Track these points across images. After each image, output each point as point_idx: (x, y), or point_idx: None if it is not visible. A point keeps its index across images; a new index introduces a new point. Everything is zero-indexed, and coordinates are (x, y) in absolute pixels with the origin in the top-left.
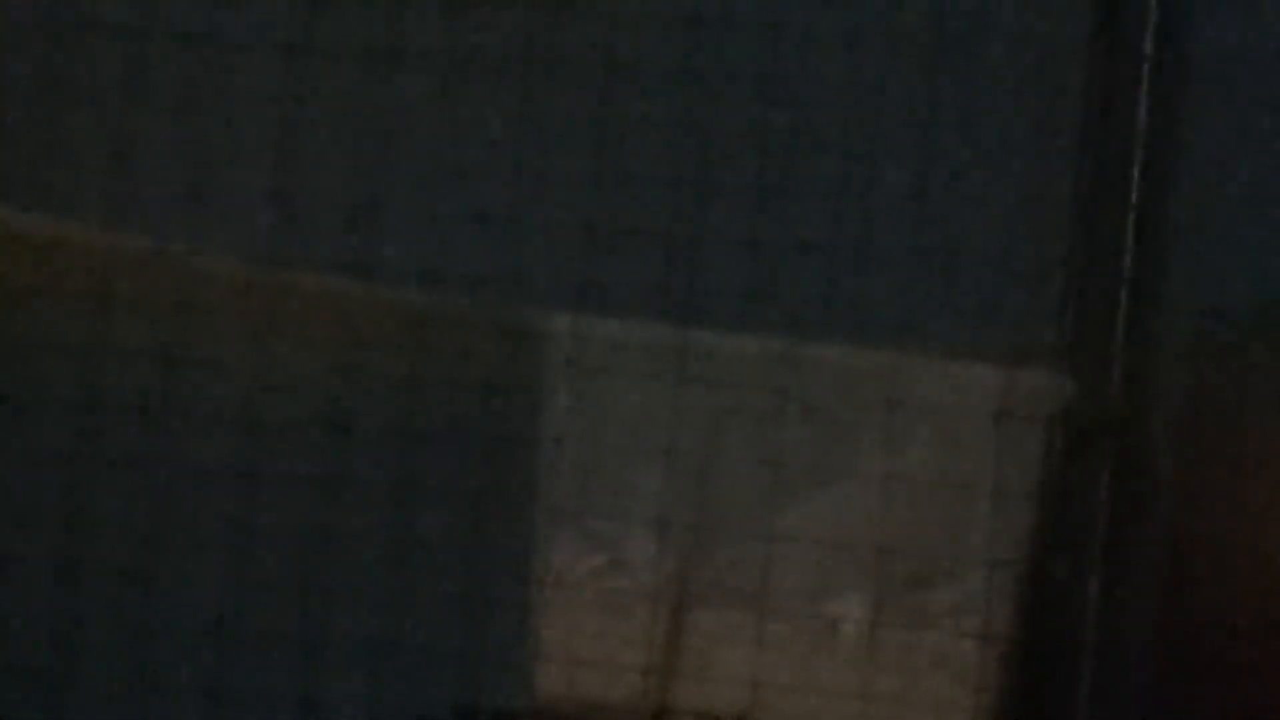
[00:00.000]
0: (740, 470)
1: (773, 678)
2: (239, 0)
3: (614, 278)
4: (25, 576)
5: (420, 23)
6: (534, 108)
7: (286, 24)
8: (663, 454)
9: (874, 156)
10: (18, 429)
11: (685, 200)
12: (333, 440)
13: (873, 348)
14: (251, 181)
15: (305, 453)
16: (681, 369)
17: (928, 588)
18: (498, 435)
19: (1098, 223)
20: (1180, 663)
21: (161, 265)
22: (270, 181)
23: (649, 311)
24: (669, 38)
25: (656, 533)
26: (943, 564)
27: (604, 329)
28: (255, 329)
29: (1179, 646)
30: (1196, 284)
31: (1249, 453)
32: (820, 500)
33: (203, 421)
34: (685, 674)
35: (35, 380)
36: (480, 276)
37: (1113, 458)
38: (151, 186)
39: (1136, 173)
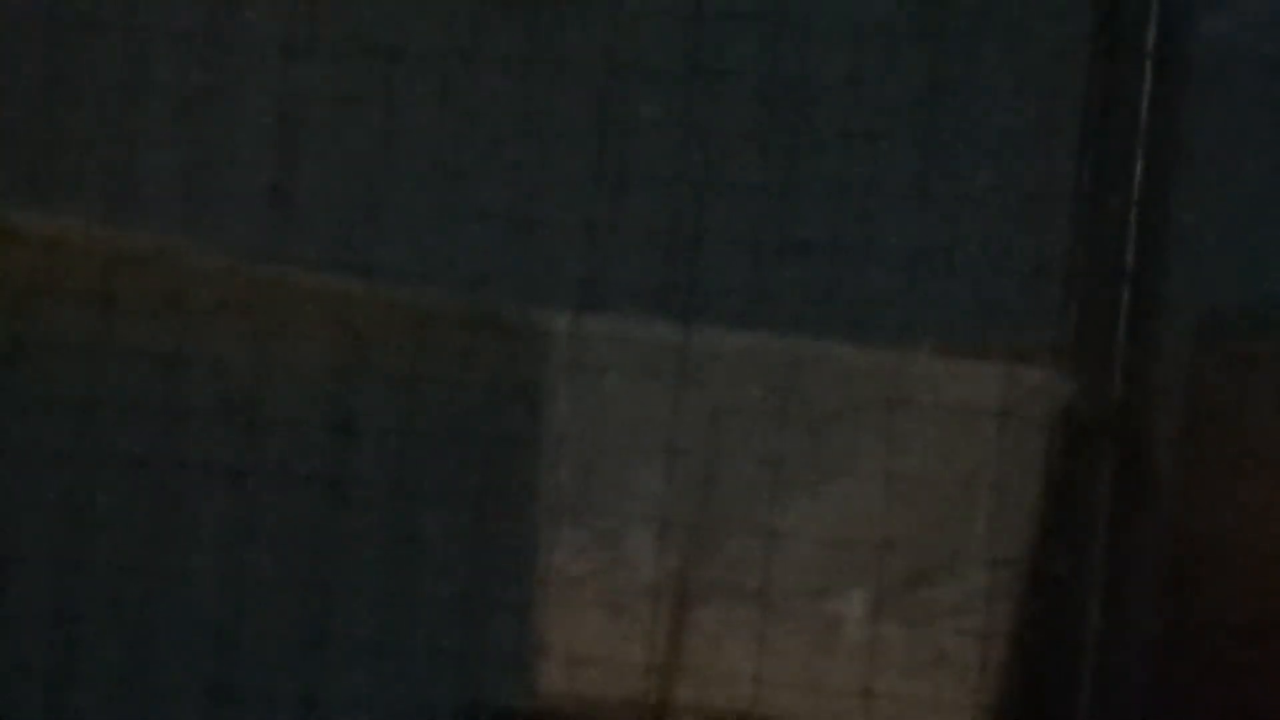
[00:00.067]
0: (741, 469)
1: (774, 675)
2: (239, 0)
3: (614, 277)
4: (26, 576)
5: (420, 23)
6: (534, 108)
7: (286, 24)
8: (663, 453)
9: (874, 156)
10: (18, 429)
11: (685, 200)
12: (333, 440)
13: (873, 347)
14: (252, 181)
15: (306, 452)
16: (682, 368)
17: (928, 586)
18: (498, 435)
19: (1098, 222)
20: (1180, 663)
21: (162, 264)
22: (270, 181)
23: (649, 311)
24: (670, 37)
25: (657, 531)
26: (943, 562)
27: (604, 328)
28: (256, 328)
29: (1179, 646)
30: (1196, 284)
31: (1249, 453)
32: (821, 499)
33: (203, 421)
34: (686, 672)
35: (35, 380)
36: (480, 276)
37: (1113, 458)
38: (152, 186)
39: (1137, 173)
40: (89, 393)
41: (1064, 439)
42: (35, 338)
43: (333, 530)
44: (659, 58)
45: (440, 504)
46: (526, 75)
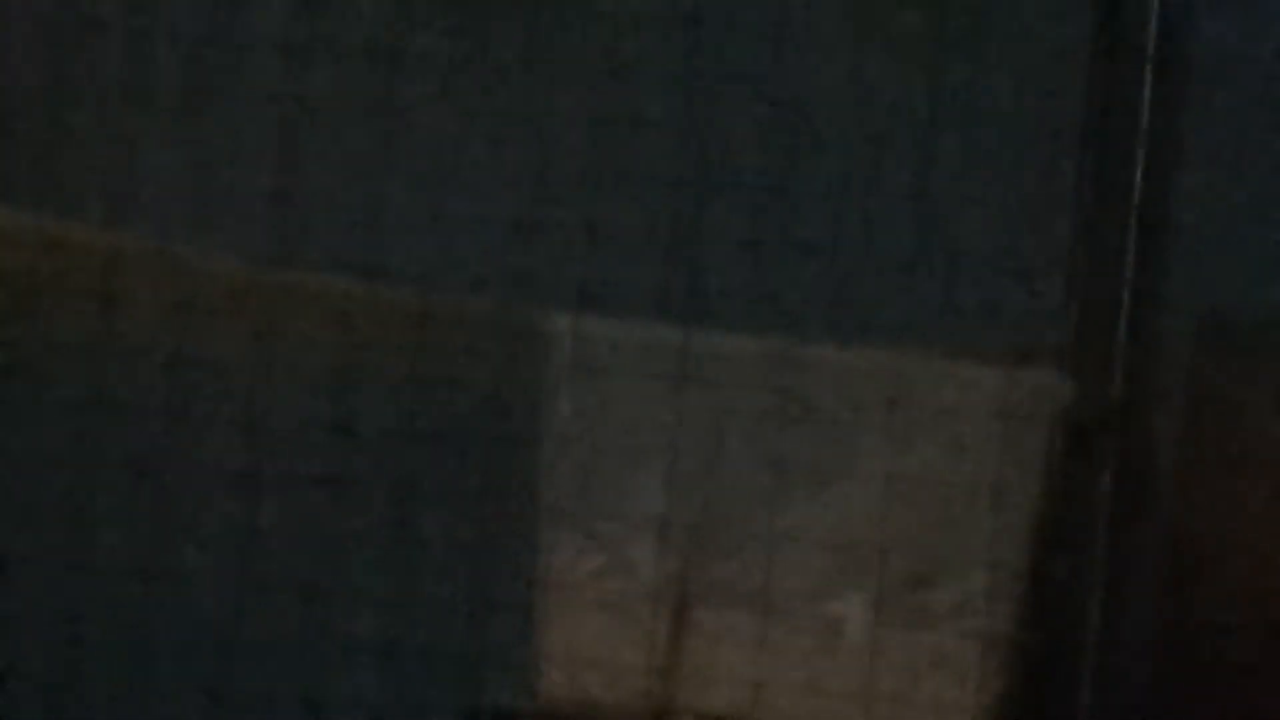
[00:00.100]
0: (741, 470)
1: (774, 678)
2: (239, 0)
3: (615, 278)
4: (27, 576)
5: (420, 23)
6: (534, 108)
7: (286, 24)
8: (663, 454)
9: (874, 156)
10: (18, 429)
11: (685, 200)
12: (334, 440)
13: (873, 348)
14: (253, 181)
15: (307, 453)
16: (682, 369)
17: (929, 588)
18: (498, 435)
19: (1098, 223)
20: (1180, 663)
21: (163, 265)
22: (271, 182)
23: (650, 312)
24: (669, 38)
25: (657, 533)
26: (944, 564)
27: (605, 329)
28: (257, 329)
29: (1179, 646)
30: (1196, 284)
31: (1249, 453)
32: (821, 500)
33: (204, 421)
34: (687, 674)
35: (36, 380)
36: (481, 277)
37: (1113, 458)
38: (153, 186)
39: (1137, 173)
40: (89, 393)
41: (1064, 439)
42: (36, 338)
43: (333, 530)
44: (658, 59)
45: (440, 504)
46: (525, 76)
